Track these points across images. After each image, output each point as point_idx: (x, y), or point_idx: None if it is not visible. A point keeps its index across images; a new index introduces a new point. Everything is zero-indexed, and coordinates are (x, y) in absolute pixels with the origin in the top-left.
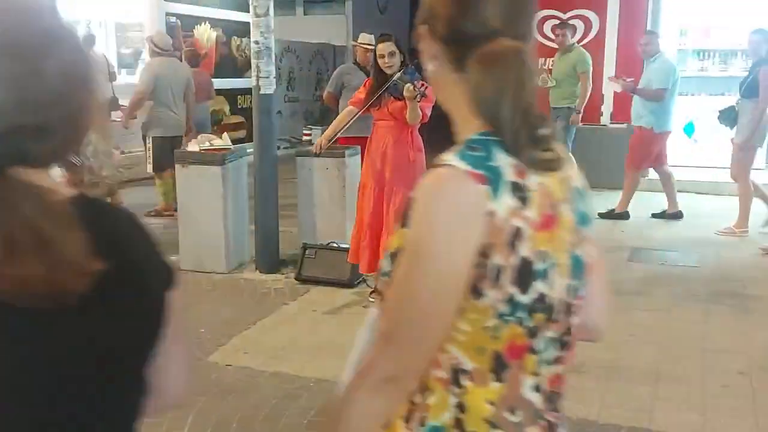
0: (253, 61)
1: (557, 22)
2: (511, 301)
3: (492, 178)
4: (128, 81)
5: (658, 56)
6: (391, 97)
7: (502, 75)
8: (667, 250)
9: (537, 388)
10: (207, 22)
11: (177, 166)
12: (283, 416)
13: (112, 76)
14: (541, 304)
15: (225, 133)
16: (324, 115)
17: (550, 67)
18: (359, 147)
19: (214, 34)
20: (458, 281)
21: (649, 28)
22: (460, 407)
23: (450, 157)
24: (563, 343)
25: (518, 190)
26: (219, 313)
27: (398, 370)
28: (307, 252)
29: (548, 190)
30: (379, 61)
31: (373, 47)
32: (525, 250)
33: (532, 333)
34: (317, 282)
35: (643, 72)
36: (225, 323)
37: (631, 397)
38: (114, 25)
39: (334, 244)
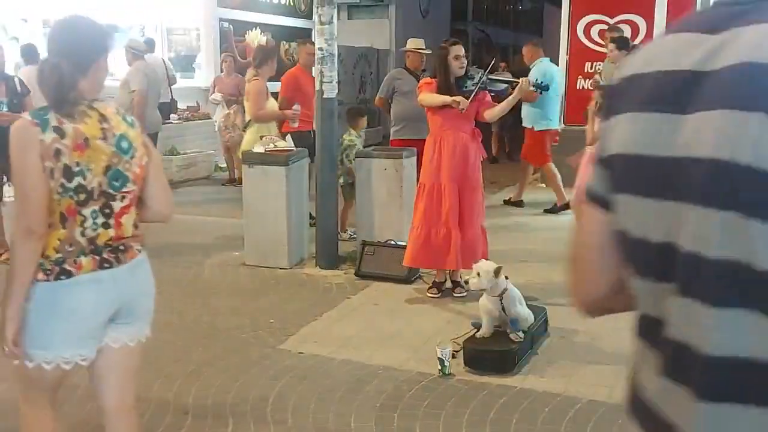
0: (317, 67)
1: (605, 26)
2: (62, 186)
3: (41, 123)
4: (187, 84)
5: (538, 61)
6: (463, 97)
7: (41, 80)
8: None
9: (83, 234)
10: (258, 28)
11: (243, 166)
12: (356, 399)
13: (172, 80)
14: (82, 189)
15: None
16: (367, 118)
17: (599, 70)
18: (415, 149)
19: (264, 39)
20: (36, 175)
21: None
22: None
23: (26, 114)
24: (106, 214)
25: (58, 130)
26: (286, 306)
27: (27, 222)
28: (366, 249)
29: (80, 131)
30: (455, 62)
31: (425, 51)
32: (65, 159)
33: (79, 203)
34: (376, 278)
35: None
36: (292, 315)
37: None
38: (166, 30)
39: (392, 242)
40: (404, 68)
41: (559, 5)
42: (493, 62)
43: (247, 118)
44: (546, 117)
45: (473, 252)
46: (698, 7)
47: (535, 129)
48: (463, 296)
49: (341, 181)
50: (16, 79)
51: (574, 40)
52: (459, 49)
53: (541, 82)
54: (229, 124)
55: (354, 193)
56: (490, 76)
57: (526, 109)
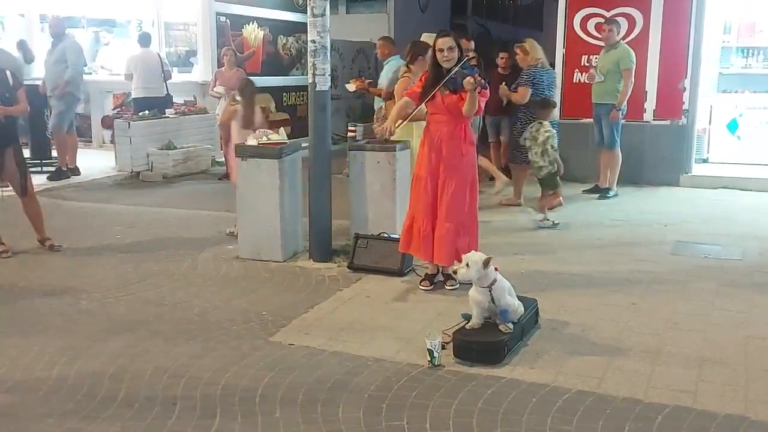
0: (310, 59)
1: (601, 20)
2: None
3: None
4: (184, 79)
5: (391, 59)
6: (447, 91)
7: None
8: (710, 244)
9: None
10: (255, 22)
11: (237, 159)
12: (345, 390)
13: (167, 75)
14: None
15: (281, 128)
16: (366, 113)
17: (594, 64)
18: (409, 141)
19: (261, 33)
20: None
21: (693, 24)
22: None
23: None
24: None
25: None
26: (278, 298)
27: None
28: (359, 242)
29: None
30: (438, 55)
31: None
32: None
33: None
34: (369, 270)
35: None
36: (285, 307)
37: (676, 379)
38: (164, 25)
39: (385, 235)
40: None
41: None
42: (466, 58)
43: None
44: None
45: (444, 246)
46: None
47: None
48: (455, 288)
49: (543, 172)
50: (7, 73)
51: (571, 33)
52: (443, 42)
53: (484, 81)
54: (379, 117)
55: (557, 181)
56: (453, 73)
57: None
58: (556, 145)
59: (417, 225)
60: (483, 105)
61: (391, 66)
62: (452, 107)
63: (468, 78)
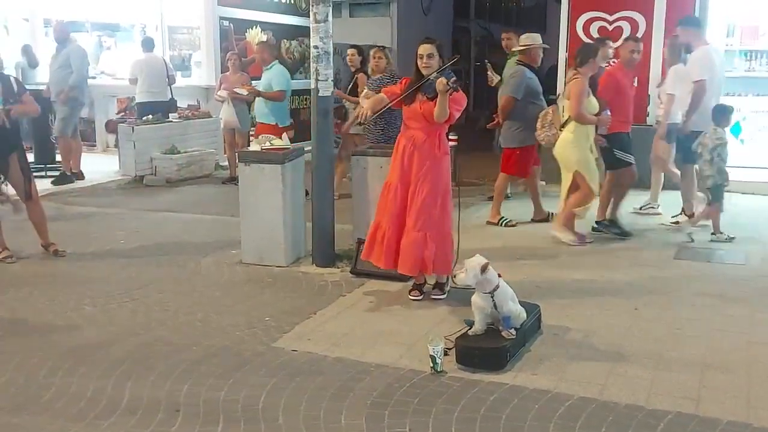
0: (313, 65)
1: (604, 23)
2: None
3: None
4: (188, 83)
5: (273, 64)
6: (425, 98)
7: None
8: (713, 248)
9: None
10: (258, 26)
11: (240, 164)
12: (347, 397)
13: (171, 80)
14: None
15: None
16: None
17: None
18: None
19: (264, 38)
20: None
21: None
22: None
23: None
24: None
25: None
26: (281, 304)
27: None
28: (361, 247)
29: None
30: (419, 61)
31: (540, 45)
32: None
33: None
34: (371, 276)
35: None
36: (287, 313)
37: (678, 385)
38: (168, 29)
39: None
40: (522, 64)
41: (561, 2)
42: (445, 64)
43: (565, 117)
44: (287, 114)
45: (409, 254)
46: (697, 3)
47: (279, 126)
48: (441, 298)
49: (710, 182)
50: (11, 78)
51: (574, 36)
52: (423, 48)
53: (455, 84)
54: (546, 123)
55: (722, 194)
56: (432, 78)
57: (272, 106)
58: (725, 155)
59: (381, 232)
60: (456, 114)
61: (275, 71)
62: (428, 114)
63: (440, 78)
